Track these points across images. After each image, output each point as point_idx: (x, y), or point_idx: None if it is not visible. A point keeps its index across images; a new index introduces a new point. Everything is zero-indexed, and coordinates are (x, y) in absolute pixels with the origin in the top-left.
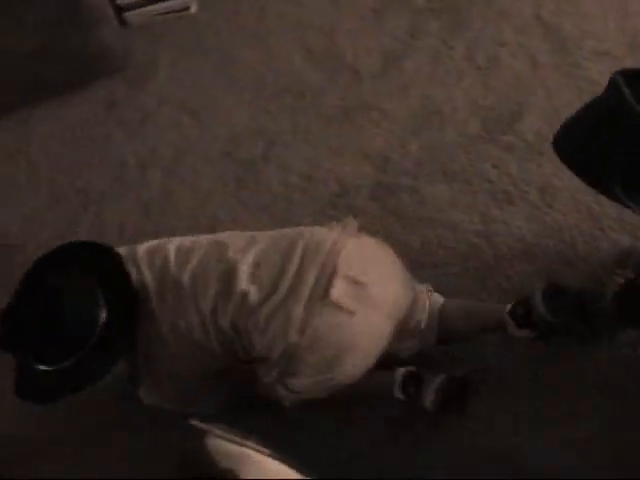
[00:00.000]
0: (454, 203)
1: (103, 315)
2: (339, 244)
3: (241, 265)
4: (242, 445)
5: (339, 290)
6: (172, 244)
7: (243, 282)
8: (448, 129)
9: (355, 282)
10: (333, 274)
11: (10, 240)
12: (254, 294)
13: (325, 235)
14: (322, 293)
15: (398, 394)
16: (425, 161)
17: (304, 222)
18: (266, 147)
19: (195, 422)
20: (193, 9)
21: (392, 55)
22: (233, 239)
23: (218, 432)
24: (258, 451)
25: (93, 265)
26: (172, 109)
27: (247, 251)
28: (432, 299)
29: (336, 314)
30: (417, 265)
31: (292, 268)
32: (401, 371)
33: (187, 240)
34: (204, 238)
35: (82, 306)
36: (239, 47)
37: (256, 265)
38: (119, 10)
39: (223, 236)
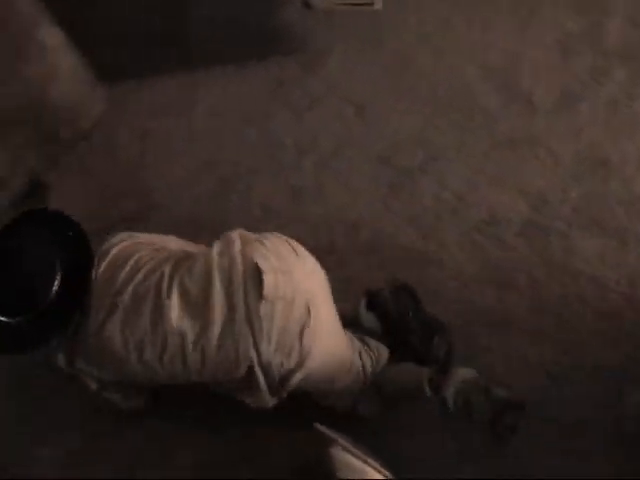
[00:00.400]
0: (604, 259)
1: (56, 284)
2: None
3: (169, 302)
4: (364, 462)
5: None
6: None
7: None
8: (613, 182)
9: (281, 272)
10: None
11: (155, 199)
12: (190, 334)
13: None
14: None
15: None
16: (582, 209)
17: (447, 241)
18: (426, 159)
19: (323, 428)
20: (377, 5)
21: (570, 94)
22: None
23: (344, 444)
24: (378, 471)
25: (60, 236)
26: (339, 100)
27: (173, 280)
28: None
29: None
30: (551, 314)
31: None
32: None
33: (150, 249)
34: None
35: (39, 272)
36: (417, 53)
37: (183, 298)
38: None
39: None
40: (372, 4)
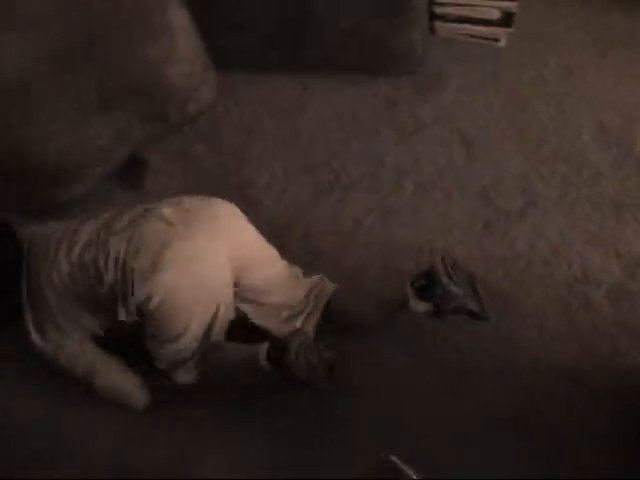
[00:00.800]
0: None
1: None
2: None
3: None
4: None
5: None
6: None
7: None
8: None
9: (183, 209)
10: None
11: (250, 194)
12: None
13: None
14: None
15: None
16: None
17: (534, 290)
18: (526, 204)
19: (395, 460)
20: (502, 42)
21: None
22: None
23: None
24: None
25: None
26: (447, 130)
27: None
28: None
29: (158, 223)
30: (629, 388)
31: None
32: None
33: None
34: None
35: None
36: (534, 97)
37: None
38: (432, 17)
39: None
40: (497, 40)
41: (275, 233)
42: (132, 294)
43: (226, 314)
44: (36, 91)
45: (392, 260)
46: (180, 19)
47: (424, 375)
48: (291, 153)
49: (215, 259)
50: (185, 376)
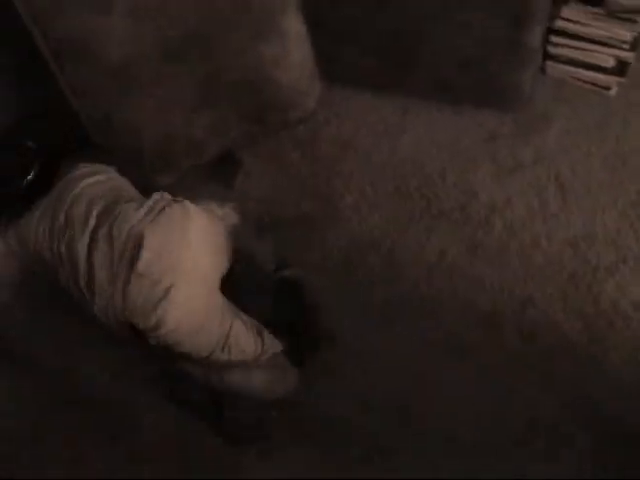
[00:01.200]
0: None
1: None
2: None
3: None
4: None
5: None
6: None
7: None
8: None
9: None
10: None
11: (336, 210)
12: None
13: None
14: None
15: None
16: None
17: (613, 351)
18: (615, 260)
19: None
20: (612, 91)
21: None
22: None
23: None
24: None
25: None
26: (544, 173)
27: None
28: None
29: (143, 283)
30: None
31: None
32: None
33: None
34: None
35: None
36: (637, 152)
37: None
38: (545, 56)
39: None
40: (608, 89)
41: (357, 251)
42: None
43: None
44: (140, 77)
45: (469, 296)
46: (296, 25)
47: None
48: (384, 175)
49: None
50: None
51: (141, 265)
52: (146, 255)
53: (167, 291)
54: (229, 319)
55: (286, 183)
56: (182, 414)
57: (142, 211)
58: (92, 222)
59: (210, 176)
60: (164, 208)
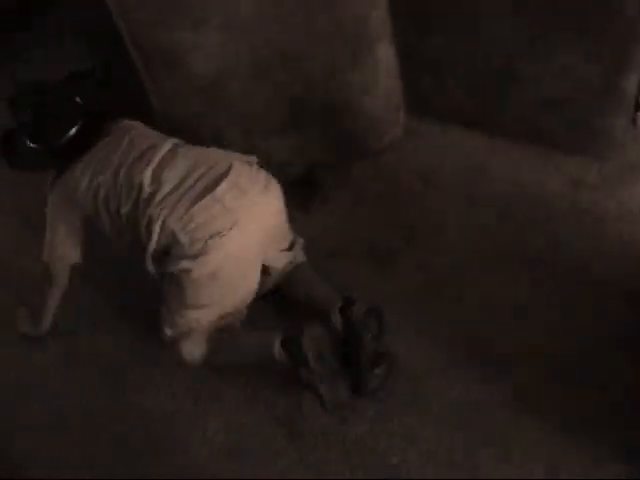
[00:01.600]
0: None
1: (75, 129)
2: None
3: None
4: None
5: (223, 189)
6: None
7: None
8: None
9: (239, 188)
10: (222, 175)
11: (414, 243)
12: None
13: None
14: (210, 188)
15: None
16: None
17: None
18: None
19: None
20: None
21: None
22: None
23: None
24: None
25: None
26: (626, 232)
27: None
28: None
29: (213, 205)
30: None
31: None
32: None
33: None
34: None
35: (64, 115)
36: None
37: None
38: (637, 108)
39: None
40: None
41: (428, 289)
42: (171, 259)
43: (251, 295)
44: (228, 91)
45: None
46: (387, 54)
47: None
48: (463, 214)
49: (254, 247)
50: (193, 351)
51: (220, 190)
52: (226, 185)
53: (231, 225)
54: (244, 312)
55: (363, 211)
56: None
57: (234, 154)
58: (168, 144)
59: (289, 198)
60: (253, 164)
